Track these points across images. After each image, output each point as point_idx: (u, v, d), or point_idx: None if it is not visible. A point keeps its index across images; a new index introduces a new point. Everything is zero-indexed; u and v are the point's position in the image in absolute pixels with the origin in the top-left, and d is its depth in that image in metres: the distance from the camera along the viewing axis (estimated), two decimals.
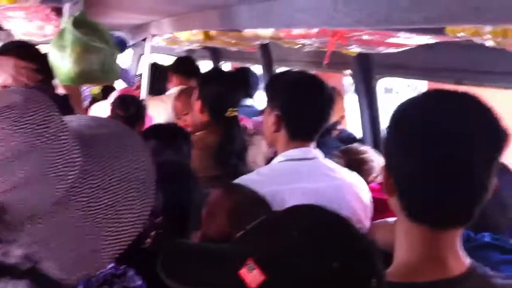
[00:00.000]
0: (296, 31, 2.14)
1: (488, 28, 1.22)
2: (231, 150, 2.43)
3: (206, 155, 2.36)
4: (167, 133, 2.21)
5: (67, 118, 0.79)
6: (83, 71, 2.05)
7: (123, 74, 4.85)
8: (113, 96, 3.11)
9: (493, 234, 1.63)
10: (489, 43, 1.31)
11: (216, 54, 5.18)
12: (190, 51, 5.30)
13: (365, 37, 2.00)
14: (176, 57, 4.42)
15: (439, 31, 1.46)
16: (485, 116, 1.03)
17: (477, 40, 1.32)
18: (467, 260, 1.08)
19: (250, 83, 4.10)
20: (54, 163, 0.71)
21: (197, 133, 2.45)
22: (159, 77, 4.09)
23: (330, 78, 3.90)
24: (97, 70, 2.11)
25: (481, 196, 1.02)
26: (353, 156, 2.57)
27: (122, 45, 4.80)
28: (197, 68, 3.99)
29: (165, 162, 1.71)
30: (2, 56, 2.00)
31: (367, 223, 1.94)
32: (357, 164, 2.44)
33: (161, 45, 4.80)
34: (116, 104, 3.01)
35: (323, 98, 1.89)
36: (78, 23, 2.06)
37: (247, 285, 0.73)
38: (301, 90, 1.90)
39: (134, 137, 0.91)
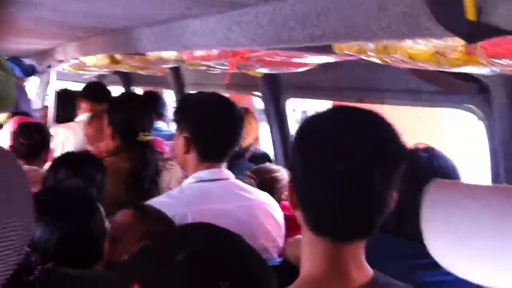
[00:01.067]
0: (197, 53, 2.15)
1: (371, 46, 1.27)
2: (144, 175, 2.39)
3: (116, 180, 2.30)
4: (77, 161, 2.14)
5: None
6: None
7: (25, 105, 4.67)
8: (11, 123, 2.98)
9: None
10: (374, 59, 1.36)
11: (127, 79, 5.12)
12: (101, 76, 5.21)
13: (267, 58, 2.03)
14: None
15: (328, 50, 1.51)
16: (385, 132, 1.06)
17: (363, 57, 1.37)
18: (370, 271, 1.10)
19: (159, 105, 4.07)
20: None
21: (107, 159, 2.40)
22: (67, 104, 3.97)
23: (242, 100, 3.96)
24: None
25: (380, 209, 1.05)
26: (265, 175, 2.58)
27: (31, 71, 4.66)
28: (108, 93, 3.89)
29: (64, 190, 1.65)
30: None
31: (280, 241, 1.95)
32: (269, 182, 2.46)
33: (69, 71, 4.69)
34: (18, 132, 2.89)
35: (232, 119, 1.88)
36: None
37: None
38: (209, 111, 1.88)
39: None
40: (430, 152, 1.52)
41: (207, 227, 0.87)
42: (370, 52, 1.27)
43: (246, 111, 3.07)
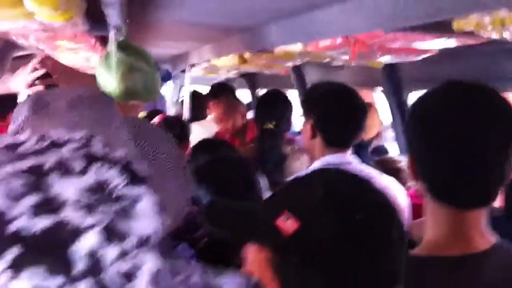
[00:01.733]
0: (321, 44, 2.29)
1: (487, 20, 1.33)
2: (266, 158, 2.60)
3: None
4: (213, 145, 2.39)
5: None
6: (127, 89, 2.24)
7: (160, 105, 5.09)
8: (155, 120, 3.30)
9: None
10: (493, 35, 1.41)
11: (252, 82, 5.38)
12: (227, 80, 5.51)
13: (387, 44, 2.12)
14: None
15: (447, 29, 1.58)
16: (500, 105, 1.11)
17: (482, 33, 1.43)
18: (493, 238, 1.14)
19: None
20: None
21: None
22: (197, 105, 4.32)
23: (364, 96, 4.04)
24: (141, 89, 2.28)
25: (498, 179, 1.10)
26: (389, 165, 2.68)
27: (168, 76, 5.06)
28: (232, 90, 4.17)
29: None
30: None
31: (404, 223, 2.01)
32: (392, 173, 2.54)
33: (199, 75, 5.03)
34: (161, 125, 3.20)
35: (356, 106, 2.01)
36: (122, 46, 2.26)
37: (284, 233, 0.81)
38: (334, 98, 2.03)
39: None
40: None
41: (340, 171, 0.96)
42: (488, 27, 1.33)
43: (370, 105, 3.17)
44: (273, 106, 2.99)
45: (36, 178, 0.53)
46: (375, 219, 0.84)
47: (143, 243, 0.53)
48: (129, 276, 0.51)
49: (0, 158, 0.54)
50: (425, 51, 2.23)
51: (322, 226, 0.81)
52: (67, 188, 0.53)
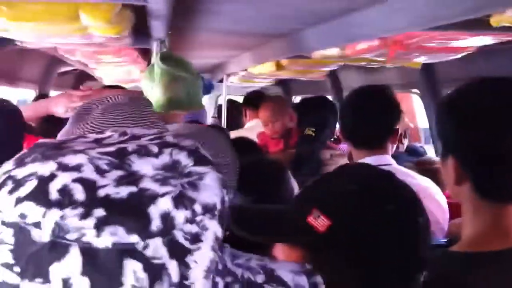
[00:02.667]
0: (359, 47, 2.33)
1: None
2: (302, 162, 2.67)
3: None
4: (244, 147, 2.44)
5: None
6: (171, 98, 2.31)
7: (200, 116, 5.17)
8: None
9: None
10: None
11: (287, 89, 5.43)
12: (263, 88, 5.58)
13: (424, 44, 2.14)
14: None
15: (485, 26, 1.60)
16: None
17: None
18: None
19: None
20: None
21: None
22: (235, 113, 4.39)
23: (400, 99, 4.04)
24: (184, 98, 2.35)
25: None
26: (427, 166, 2.69)
27: (209, 87, 5.17)
28: (266, 96, 4.20)
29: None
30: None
31: (445, 224, 2.01)
32: (431, 174, 2.55)
33: (235, 85, 5.11)
34: None
35: (380, 105, 2.01)
36: (164, 57, 2.34)
37: (317, 230, 0.84)
38: (357, 98, 2.06)
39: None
40: None
41: (366, 165, 1.01)
42: None
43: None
44: (314, 112, 3.02)
45: (120, 158, 0.64)
46: (405, 209, 0.88)
47: (208, 210, 0.63)
48: (196, 237, 0.61)
49: (89, 145, 0.64)
50: (463, 49, 2.25)
51: (356, 219, 0.85)
52: (145, 166, 0.64)
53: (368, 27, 1.90)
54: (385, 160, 2.04)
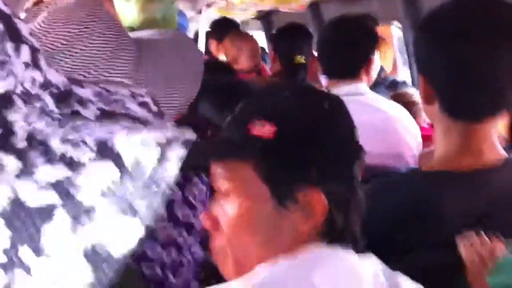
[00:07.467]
0: None
1: None
2: None
3: None
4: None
5: None
6: (146, 19, 2.26)
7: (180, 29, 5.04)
8: None
9: None
10: None
11: (267, 24, 5.34)
12: (244, 22, 5.48)
13: None
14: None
15: None
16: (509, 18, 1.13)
17: None
18: (504, 153, 1.15)
19: None
20: None
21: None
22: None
23: (380, 32, 4.00)
24: (159, 19, 2.31)
25: (508, 89, 1.12)
26: (403, 99, 2.69)
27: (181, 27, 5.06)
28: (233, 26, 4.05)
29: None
30: None
31: (416, 151, 2.02)
32: (407, 106, 2.56)
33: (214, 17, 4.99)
34: None
35: (354, 35, 2.03)
36: None
37: (265, 138, 0.83)
38: (328, 28, 2.06)
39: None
40: None
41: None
42: None
43: (383, 41, 3.16)
44: (298, 39, 2.95)
45: None
46: (337, 105, 0.91)
47: None
48: None
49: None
50: None
51: (299, 120, 0.86)
52: None
53: None
54: (360, 89, 2.03)
